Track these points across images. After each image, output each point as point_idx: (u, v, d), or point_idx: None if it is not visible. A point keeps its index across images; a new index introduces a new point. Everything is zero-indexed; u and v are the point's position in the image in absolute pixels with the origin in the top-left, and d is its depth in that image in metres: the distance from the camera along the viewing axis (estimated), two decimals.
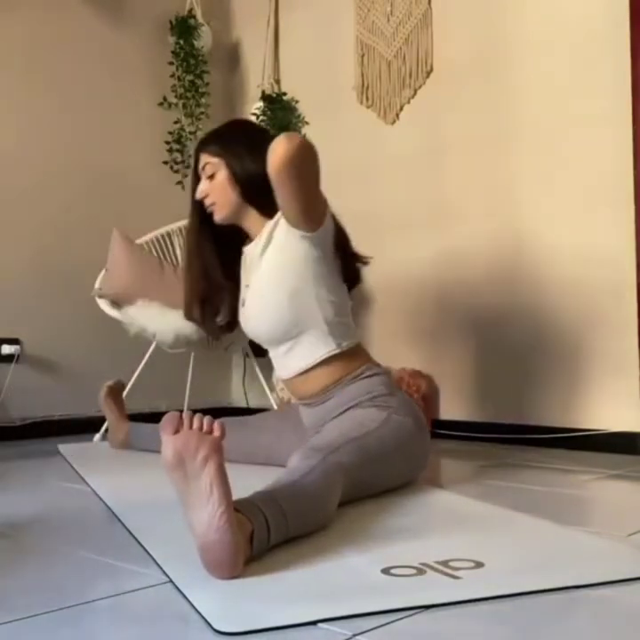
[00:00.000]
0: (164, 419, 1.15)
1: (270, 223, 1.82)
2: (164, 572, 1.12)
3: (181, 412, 1.16)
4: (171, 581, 1.08)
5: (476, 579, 1.07)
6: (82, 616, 0.96)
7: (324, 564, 1.15)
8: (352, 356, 1.81)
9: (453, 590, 1.01)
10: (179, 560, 1.16)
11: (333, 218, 1.77)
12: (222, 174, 1.85)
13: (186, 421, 1.14)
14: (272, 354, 1.90)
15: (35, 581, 1.11)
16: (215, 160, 1.86)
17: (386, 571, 1.10)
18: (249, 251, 1.90)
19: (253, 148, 1.82)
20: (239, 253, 1.95)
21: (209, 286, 1.95)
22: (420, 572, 1.09)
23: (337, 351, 1.79)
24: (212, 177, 1.86)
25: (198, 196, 1.89)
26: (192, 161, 1.93)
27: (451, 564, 1.12)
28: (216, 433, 1.13)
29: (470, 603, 0.98)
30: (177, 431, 1.12)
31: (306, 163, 1.57)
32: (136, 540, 1.32)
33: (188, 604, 0.98)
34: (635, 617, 0.96)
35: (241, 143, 1.86)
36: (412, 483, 1.76)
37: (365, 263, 1.87)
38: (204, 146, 1.90)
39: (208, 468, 1.09)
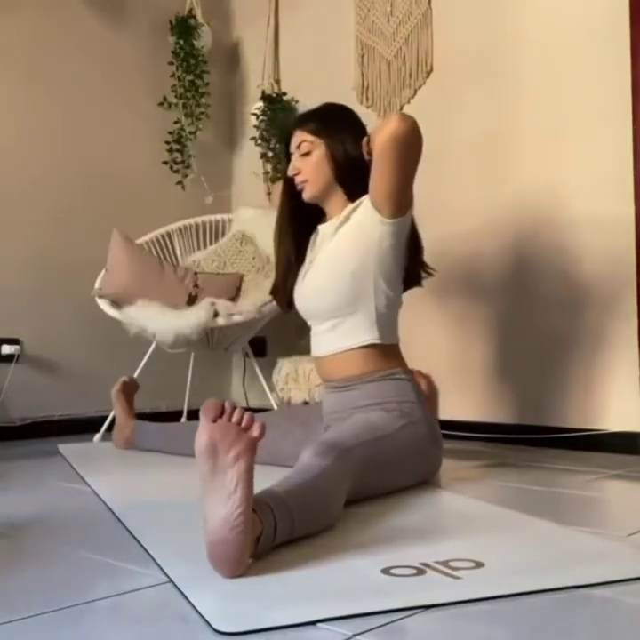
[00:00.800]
0: (206, 403, 1.14)
1: (351, 206, 1.86)
2: (164, 572, 1.12)
3: (225, 401, 1.15)
4: (171, 581, 1.08)
5: (476, 579, 1.06)
6: (82, 616, 0.96)
7: (325, 563, 1.14)
8: (389, 354, 1.83)
9: (453, 590, 1.01)
10: (179, 560, 1.16)
11: (413, 220, 1.83)
12: (319, 152, 1.87)
13: (227, 411, 1.13)
14: (314, 330, 1.92)
15: (35, 581, 1.11)
16: (312, 138, 1.88)
17: (386, 571, 1.10)
18: (323, 228, 1.93)
19: (351, 131, 1.87)
20: (309, 237, 1.99)
21: (292, 263, 1.98)
22: (420, 572, 1.09)
23: (378, 342, 1.81)
24: (307, 154, 1.88)
25: (291, 172, 1.91)
26: (285, 137, 1.98)
27: (451, 563, 1.12)
28: (254, 432, 1.11)
29: (470, 603, 0.98)
30: (216, 420, 1.11)
31: (412, 144, 1.63)
32: (136, 540, 1.32)
33: (188, 604, 0.98)
34: (635, 617, 0.96)
35: (339, 124, 1.89)
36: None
37: (430, 274, 1.92)
38: (301, 124, 1.93)
39: (238, 465, 1.08)
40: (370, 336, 1.81)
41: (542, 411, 2.59)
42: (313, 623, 0.91)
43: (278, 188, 2.19)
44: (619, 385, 2.41)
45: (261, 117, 3.34)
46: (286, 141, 1.97)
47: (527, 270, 2.64)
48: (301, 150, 1.89)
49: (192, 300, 2.76)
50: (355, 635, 0.87)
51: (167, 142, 3.37)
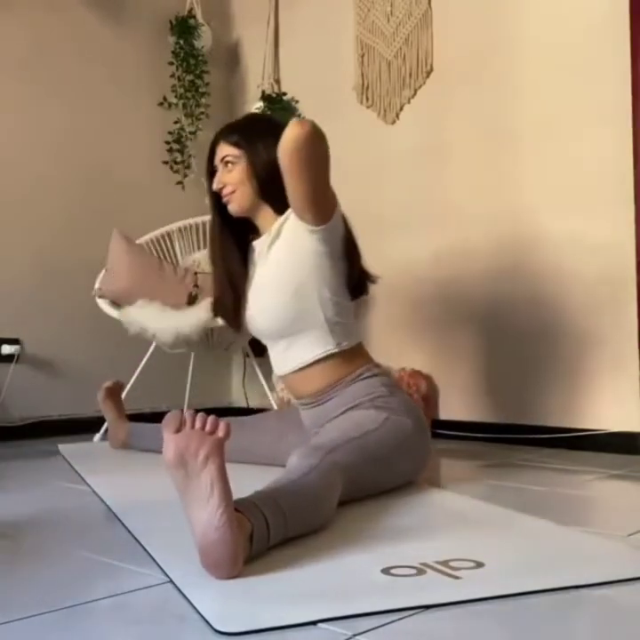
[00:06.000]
0: (167, 417, 1.14)
1: (280, 219, 1.84)
2: (164, 572, 1.12)
3: (184, 410, 1.16)
4: (171, 581, 1.08)
5: (476, 579, 1.06)
6: (82, 616, 0.96)
7: (324, 563, 1.15)
8: (352, 357, 1.81)
9: (453, 590, 1.01)
10: (179, 560, 1.16)
11: (345, 223, 1.79)
12: (241, 166, 1.85)
13: (188, 420, 1.13)
14: (271, 350, 1.90)
15: (35, 581, 1.11)
16: (235, 152, 1.86)
17: (386, 571, 1.10)
18: (258, 245, 1.91)
19: (273, 144, 1.79)
20: (245, 250, 1.96)
21: (232, 278, 1.94)
22: (420, 572, 1.09)
23: (336, 350, 1.79)
24: (230, 168, 1.86)
25: (216, 186, 1.88)
26: (208, 152, 1.94)
27: (451, 564, 1.12)
28: (220, 433, 1.12)
29: (470, 603, 0.98)
30: (179, 430, 1.12)
31: (315, 148, 1.59)
32: (136, 540, 1.32)
33: (188, 604, 0.98)
34: (635, 617, 0.96)
35: (260, 137, 1.85)
36: (412, 482, 1.76)
37: (373, 281, 1.89)
38: (223, 137, 1.90)
39: (209, 467, 1.08)
40: (326, 347, 1.79)
41: (542, 410, 2.58)
42: (313, 623, 0.91)
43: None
44: (619, 385, 2.41)
45: None
46: (210, 154, 1.92)
47: (528, 269, 2.64)
48: (224, 164, 1.86)
49: (192, 300, 2.76)
50: (355, 635, 0.87)
51: (167, 142, 3.38)
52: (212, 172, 1.92)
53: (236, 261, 1.94)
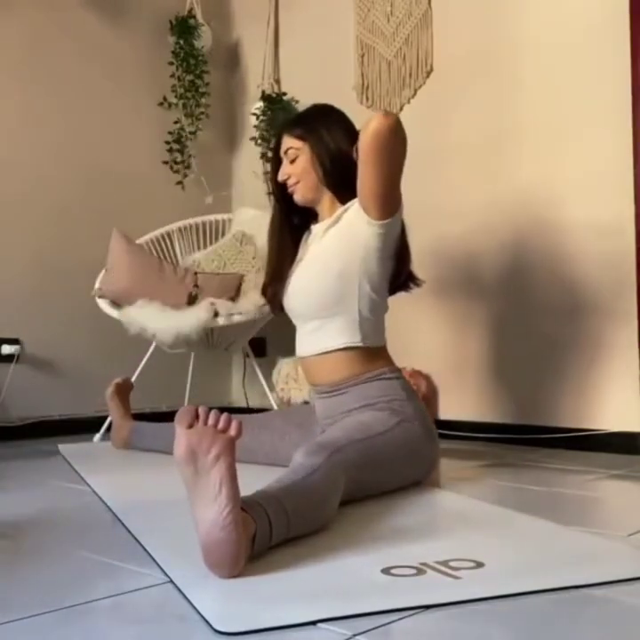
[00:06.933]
0: (180, 412, 1.14)
1: (343, 207, 1.87)
2: (164, 572, 1.12)
3: (198, 406, 1.15)
4: (171, 581, 1.08)
5: (476, 579, 1.06)
6: (82, 616, 0.96)
7: (324, 563, 1.15)
8: (374, 356, 1.83)
9: (453, 590, 1.01)
10: (179, 560, 1.16)
11: (403, 228, 1.83)
12: (305, 157, 1.89)
13: (202, 416, 1.13)
14: (298, 330, 1.93)
15: (34, 581, 1.11)
16: (298, 144, 1.90)
17: (386, 571, 1.10)
18: (315, 228, 1.95)
19: (337, 133, 1.87)
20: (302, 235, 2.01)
21: (284, 267, 1.97)
22: (420, 572, 1.09)
23: (359, 344, 1.81)
24: (294, 160, 1.90)
25: (281, 177, 1.93)
26: (273, 143, 2.01)
27: (451, 563, 1.12)
28: (232, 432, 1.12)
29: (470, 603, 0.98)
30: (191, 425, 1.12)
31: (395, 144, 1.63)
32: (136, 540, 1.32)
33: (188, 604, 0.98)
34: (635, 617, 0.96)
35: (324, 126, 1.89)
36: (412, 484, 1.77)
37: (418, 285, 1.93)
38: (287, 129, 1.94)
39: (219, 466, 1.08)
40: (352, 339, 1.81)
41: (542, 410, 2.59)
42: (313, 623, 0.91)
43: None
44: (619, 385, 2.41)
45: (261, 117, 3.34)
46: (276, 145, 1.97)
47: (527, 271, 2.64)
48: (289, 156, 1.91)
49: (192, 300, 2.76)
50: (355, 635, 0.87)
51: (167, 142, 3.38)
52: (276, 163, 1.96)
53: (292, 250, 1.98)
